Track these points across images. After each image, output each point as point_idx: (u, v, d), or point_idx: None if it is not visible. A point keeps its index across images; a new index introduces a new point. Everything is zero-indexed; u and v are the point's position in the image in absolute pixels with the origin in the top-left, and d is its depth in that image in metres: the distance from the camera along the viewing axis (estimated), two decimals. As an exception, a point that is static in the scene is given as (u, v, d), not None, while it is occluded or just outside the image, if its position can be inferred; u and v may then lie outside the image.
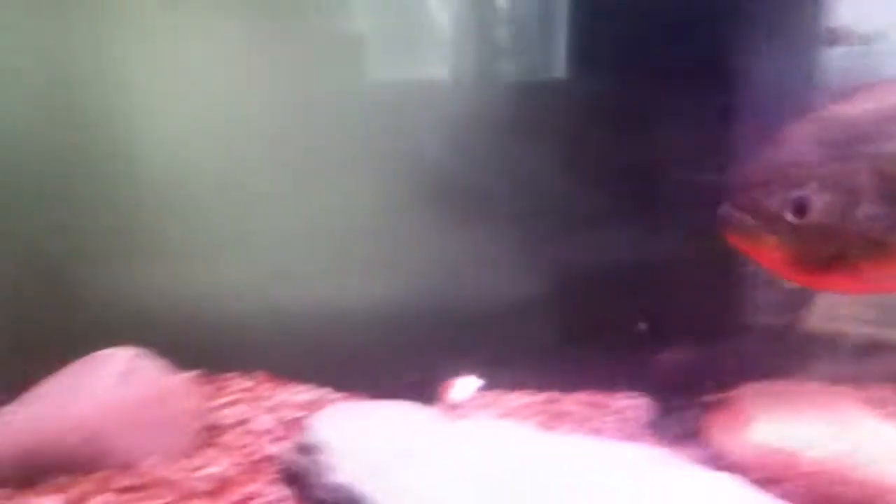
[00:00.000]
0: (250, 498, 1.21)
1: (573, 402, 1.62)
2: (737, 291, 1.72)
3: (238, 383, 1.67)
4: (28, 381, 1.37)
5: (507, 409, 1.57)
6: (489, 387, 1.69)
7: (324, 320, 1.74)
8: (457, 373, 1.69)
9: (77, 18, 1.67)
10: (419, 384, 1.63)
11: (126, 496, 1.15)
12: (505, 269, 1.88)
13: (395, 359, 1.74)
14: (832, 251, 1.29)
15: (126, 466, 1.22)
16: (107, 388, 1.28)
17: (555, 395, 1.66)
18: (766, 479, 1.20)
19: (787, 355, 1.59)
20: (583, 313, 1.79)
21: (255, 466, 1.31)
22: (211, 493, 1.21)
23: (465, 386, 1.66)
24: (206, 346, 1.69)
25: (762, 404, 1.38)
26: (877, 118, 1.29)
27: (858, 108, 1.30)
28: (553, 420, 1.52)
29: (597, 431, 1.48)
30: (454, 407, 1.59)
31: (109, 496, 1.14)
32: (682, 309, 1.70)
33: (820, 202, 1.26)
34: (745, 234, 1.33)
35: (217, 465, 1.30)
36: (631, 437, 1.46)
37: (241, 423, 1.48)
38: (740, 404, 1.40)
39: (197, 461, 1.30)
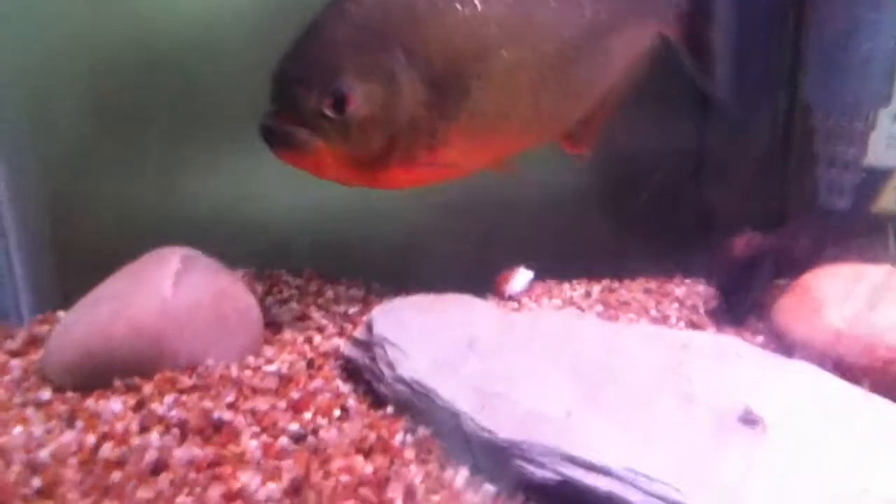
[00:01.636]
0: (313, 394, 1.19)
1: (631, 290, 1.58)
2: (800, 173, 1.65)
3: (287, 281, 1.65)
4: (81, 287, 1.36)
5: (565, 300, 1.53)
6: (542, 277, 1.66)
7: (373, 215, 1.70)
8: (509, 264, 1.66)
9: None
10: (471, 276, 1.60)
11: (191, 396, 1.14)
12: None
13: (444, 252, 1.71)
14: (383, 144, 1.20)
15: (189, 367, 1.21)
16: (164, 288, 1.25)
17: (612, 283, 1.62)
18: (843, 365, 1.17)
19: (854, 238, 1.52)
20: (637, 199, 1.73)
21: (315, 363, 1.30)
22: (275, 391, 1.19)
23: (519, 277, 1.62)
24: (249, 245, 1.67)
25: (833, 288, 1.32)
26: None
27: None
28: (614, 309, 1.48)
29: (659, 320, 1.45)
30: (511, 298, 1.56)
31: (174, 397, 1.13)
32: (742, 193, 1.64)
33: (360, 93, 1.17)
34: (293, 147, 1.19)
35: (277, 362, 1.28)
36: (695, 325, 1.43)
37: (297, 319, 1.46)
38: (809, 289, 1.35)
39: (257, 359, 1.29)
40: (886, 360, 1.17)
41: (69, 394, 1.16)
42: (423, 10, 1.20)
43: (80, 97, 1.62)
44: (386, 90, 1.18)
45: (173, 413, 1.09)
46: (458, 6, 1.21)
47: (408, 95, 1.19)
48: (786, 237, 1.52)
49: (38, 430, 1.06)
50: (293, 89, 1.18)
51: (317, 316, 1.47)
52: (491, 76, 1.23)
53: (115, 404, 1.12)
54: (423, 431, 1.10)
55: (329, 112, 1.16)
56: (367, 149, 1.20)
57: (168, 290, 1.27)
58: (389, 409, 1.16)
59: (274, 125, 1.18)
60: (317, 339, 1.39)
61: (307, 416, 1.14)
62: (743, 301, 1.44)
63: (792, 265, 1.48)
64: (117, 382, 1.17)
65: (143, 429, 1.07)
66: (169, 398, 1.13)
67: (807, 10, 1.57)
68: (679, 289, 1.58)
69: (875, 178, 1.55)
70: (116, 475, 0.97)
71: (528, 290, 1.61)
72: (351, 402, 1.19)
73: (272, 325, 1.42)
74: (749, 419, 1.00)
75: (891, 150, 1.53)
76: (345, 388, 1.23)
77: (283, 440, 1.07)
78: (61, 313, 1.44)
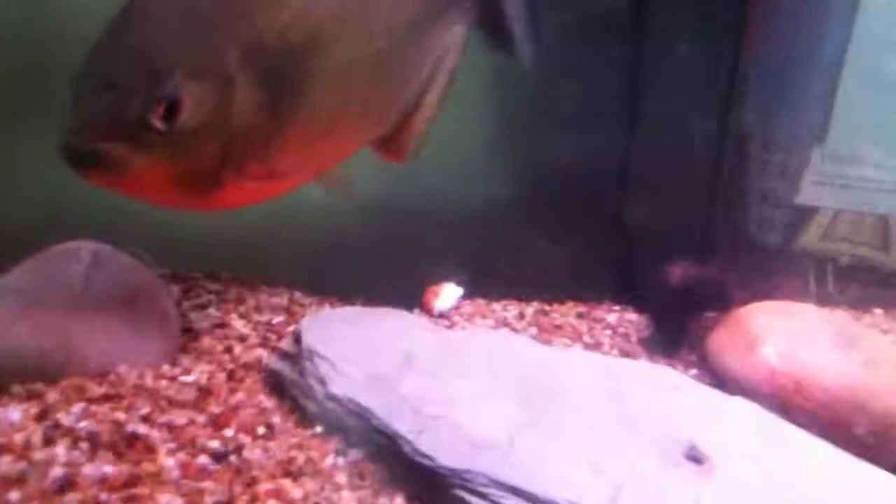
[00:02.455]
0: (235, 409, 1.11)
1: (563, 313, 1.56)
2: (730, 204, 1.67)
3: (205, 286, 1.55)
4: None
5: (497, 320, 1.50)
6: (469, 294, 1.62)
7: (295, 219, 1.63)
8: (437, 279, 1.62)
9: None
10: (396, 288, 1.55)
11: (101, 406, 1.04)
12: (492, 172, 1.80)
13: (370, 263, 1.65)
14: (215, 157, 1.02)
15: (100, 373, 1.11)
16: (73, 284, 1.15)
17: (543, 305, 1.60)
18: (779, 402, 1.17)
19: (784, 274, 1.55)
20: (567, 222, 1.72)
21: (237, 374, 1.21)
22: (193, 404, 1.10)
23: (448, 293, 1.58)
24: (161, 244, 1.57)
25: (767, 324, 1.33)
26: None
27: None
28: (547, 333, 1.45)
29: (592, 346, 1.43)
30: (442, 315, 1.51)
31: (83, 406, 1.03)
32: (669, 218, 1.65)
33: (192, 97, 0.98)
34: (106, 166, 0.97)
35: (196, 372, 1.19)
36: (627, 353, 1.42)
37: (216, 326, 1.36)
38: (743, 323, 1.35)
39: (173, 368, 1.19)
40: (820, 402, 1.18)
41: (-33, 398, 1.04)
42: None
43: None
44: (220, 93, 1.00)
45: (82, 424, 0.99)
46: None
47: (243, 98, 1.02)
48: (717, 269, 1.53)
49: (-76, 438, 0.95)
50: (107, 95, 0.96)
51: (237, 324, 1.38)
52: (326, 74, 1.11)
53: (13, 412, 1.00)
54: (355, 454, 1.04)
55: (157, 122, 0.96)
56: (198, 163, 1.01)
57: (78, 287, 1.17)
58: (318, 429, 1.09)
59: (83, 142, 0.96)
60: (237, 348, 1.30)
61: (229, 432, 1.06)
62: (676, 331, 1.44)
63: (721, 298, 1.49)
64: (17, 387, 1.06)
65: (48, 441, 0.96)
66: (77, 407, 1.02)
67: (749, 35, 1.58)
68: (610, 315, 1.56)
69: (801, 216, 1.58)
70: (15, 495, 0.86)
71: (457, 307, 1.57)
72: (276, 418, 1.11)
73: (188, 332, 1.33)
74: (695, 456, 0.99)
75: (817, 189, 1.56)
76: (269, 403, 1.15)
77: (203, 458, 0.99)
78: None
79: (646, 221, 1.72)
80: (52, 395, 1.05)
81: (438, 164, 1.74)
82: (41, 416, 1.01)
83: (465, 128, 1.78)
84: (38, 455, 0.93)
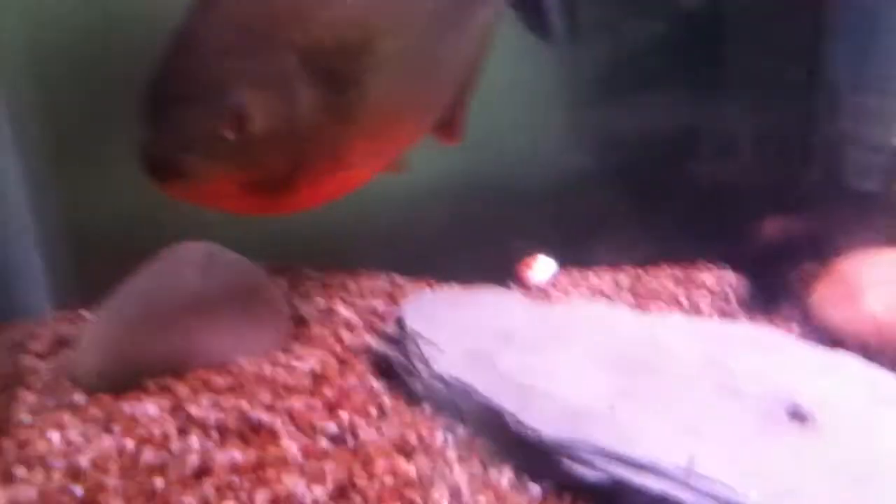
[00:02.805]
0: (348, 393, 1.17)
1: (658, 277, 1.57)
2: (824, 153, 1.63)
3: (308, 274, 1.62)
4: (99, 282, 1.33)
5: (593, 289, 1.52)
6: (562, 264, 1.64)
7: (387, 204, 1.68)
8: (529, 253, 1.64)
9: None
10: (488, 265, 1.59)
11: (226, 396, 1.12)
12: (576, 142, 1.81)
13: (462, 242, 1.69)
14: (287, 162, 1.05)
15: (220, 365, 1.19)
16: (191, 284, 1.23)
17: (637, 271, 1.60)
18: (885, 354, 1.16)
19: (885, 221, 1.50)
20: (655, 185, 1.72)
21: (346, 359, 1.28)
22: (309, 389, 1.17)
23: (542, 266, 1.60)
24: (267, 238, 1.64)
25: (870, 275, 1.31)
26: None
27: None
28: (644, 299, 1.46)
29: (690, 310, 1.43)
30: (537, 288, 1.54)
31: (210, 398, 1.11)
32: (770, 176, 1.62)
33: (257, 106, 1.00)
34: (184, 178, 1.00)
35: (308, 360, 1.26)
36: (727, 314, 1.41)
37: (323, 314, 1.43)
38: (845, 276, 1.33)
39: (287, 356, 1.27)
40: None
41: (103, 397, 1.14)
42: (308, 2, 1.07)
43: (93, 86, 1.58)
44: (284, 99, 1.03)
45: (211, 415, 1.07)
46: None
47: (307, 101, 1.05)
48: (813, 221, 1.51)
49: (75, 435, 1.04)
50: (177, 109, 1.00)
51: (343, 311, 1.45)
52: (381, 68, 1.12)
53: (150, 407, 1.10)
54: (463, 430, 1.09)
55: (226, 132, 1.00)
56: (270, 170, 1.05)
57: (195, 285, 1.25)
58: (426, 407, 1.15)
59: (159, 155, 1.00)
60: (345, 334, 1.36)
61: (343, 415, 1.12)
62: (775, 288, 1.42)
63: (820, 250, 1.46)
64: (150, 383, 1.15)
65: (182, 432, 1.05)
66: (205, 399, 1.11)
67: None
68: (707, 277, 1.56)
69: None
70: (159, 481, 0.95)
71: (552, 279, 1.59)
72: (386, 400, 1.17)
73: (298, 321, 1.40)
74: (798, 413, 0.99)
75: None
76: (378, 385, 1.21)
77: (323, 441, 1.06)
78: (85, 312, 1.42)
79: (735, 178, 1.70)
80: (182, 389, 1.14)
81: (522, 139, 1.76)
82: (174, 409, 1.09)
83: (545, 101, 1.79)
84: (175, 445, 1.02)
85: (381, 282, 1.60)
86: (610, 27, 1.73)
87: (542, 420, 1.02)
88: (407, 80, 1.19)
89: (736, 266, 1.58)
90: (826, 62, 1.54)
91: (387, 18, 1.13)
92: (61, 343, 1.33)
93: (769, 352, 1.14)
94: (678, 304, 1.45)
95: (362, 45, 1.10)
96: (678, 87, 1.70)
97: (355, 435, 1.07)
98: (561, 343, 1.18)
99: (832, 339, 1.25)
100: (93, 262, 1.51)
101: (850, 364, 1.10)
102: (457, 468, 1.02)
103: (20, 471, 0.98)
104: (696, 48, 1.68)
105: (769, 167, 1.65)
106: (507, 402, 1.06)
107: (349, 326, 1.39)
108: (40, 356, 1.30)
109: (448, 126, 1.38)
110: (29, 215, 1.53)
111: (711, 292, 1.50)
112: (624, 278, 1.57)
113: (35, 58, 1.51)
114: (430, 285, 1.60)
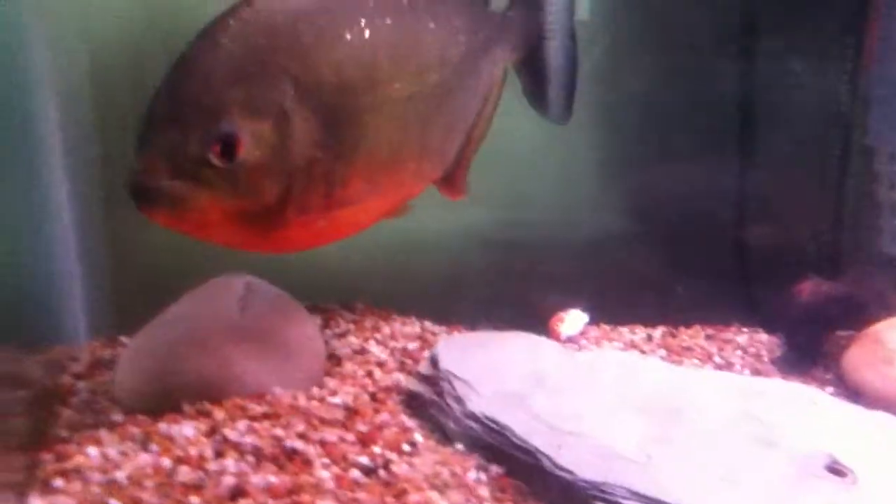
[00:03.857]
0: (380, 427, 1.18)
1: (692, 336, 1.57)
2: (859, 218, 1.65)
3: (343, 315, 1.64)
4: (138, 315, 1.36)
5: (625, 343, 1.52)
6: (594, 320, 1.65)
7: (421, 251, 1.71)
8: (560, 304, 1.65)
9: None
10: (521, 315, 1.60)
11: (262, 424, 1.13)
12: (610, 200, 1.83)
13: (494, 291, 1.71)
14: (277, 194, 1.02)
15: (257, 393, 1.20)
16: (232, 313, 1.25)
17: (670, 328, 1.61)
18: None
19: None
20: (692, 244, 1.73)
21: (379, 396, 1.29)
22: (342, 423, 1.18)
23: (574, 319, 1.61)
24: (301, 278, 1.67)
25: (904, 339, 1.31)
26: (296, 17, 1.05)
27: (286, 1, 1.06)
28: (677, 354, 1.47)
29: (724, 367, 1.43)
30: (570, 340, 1.55)
31: (246, 423, 1.12)
32: (805, 240, 1.64)
33: (249, 134, 0.99)
34: (170, 204, 0.98)
35: (342, 394, 1.27)
36: (760, 373, 1.41)
37: (357, 353, 1.45)
38: (880, 339, 1.33)
39: (321, 390, 1.28)
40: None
41: (140, 417, 1.15)
42: (310, 35, 1.06)
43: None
44: (277, 129, 1.02)
45: (247, 439, 1.08)
46: (346, 32, 1.09)
47: (301, 134, 1.03)
48: (848, 285, 1.51)
49: (112, 451, 1.05)
50: (167, 134, 0.98)
51: (376, 350, 1.47)
52: (383, 109, 1.12)
53: (187, 429, 1.11)
54: (496, 469, 1.09)
55: (215, 159, 0.98)
56: (259, 201, 1.02)
57: (235, 315, 1.27)
58: (459, 446, 1.15)
59: (146, 180, 0.98)
60: (377, 372, 1.38)
61: (376, 449, 1.13)
62: (809, 350, 1.42)
63: (854, 314, 1.47)
64: (187, 407, 1.16)
65: (218, 454, 1.05)
66: (241, 424, 1.12)
67: (868, 50, 1.57)
68: (740, 336, 1.56)
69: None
70: (195, 499, 0.96)
71: (584, 332, 1.60)
72: (418, 436, 1.18)
73: (334, 357, 1.42)
74: (835, 468, 0.99)
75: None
76: (411, 422, 1.22)
77: (355, 472, 1.06)
78: (123, 338, 1.44)
79: (770, 241, 1.71)
80: (219, 414, 1.15)
81: (557, 192, 1.79)
82: (211, 432, 1.11)
83: (580, 157, 1.82)
84: (212, 466, 1.03)
85: (413, 326, 1.62)
86: (648, 91, 1.77)
87: (577, 462, 1.02)
88: (408, 125, 1.19)
89: (770, 328, 1.58)
90: (863, 130, 1.57)
91: (390, 61, 1.13)
92: (100, 365, 1.35)
93: (805, 407, 1.14)
94: (711, 360, 1.46)
95: (362, 83, 1.10)
96: (714, 150, 1.73)
97: (388, 469, 1.08)
98: (593, 387, 1.19)
99: (867, 400, 1.25)
100: (132, 292, 1.53)
101: (887, 422, 1.10)
102: (489, 505, 1.02)
103: (58, 482, 0.99)
104: (731, 112, 1.71)
105: (804, 231, 1.67)
106: (542, 443, 1.06)
107: (382, 365, 1.40)
108: (79, 377, 1.32)
109: (451, 180, 1.37)
110: (74, 245, 1.57)
111: (745, 351, 1.50)
112: (656, 333, 1.58)
113: (94, 94, 1.56)
114: (460, 332, 1.61)
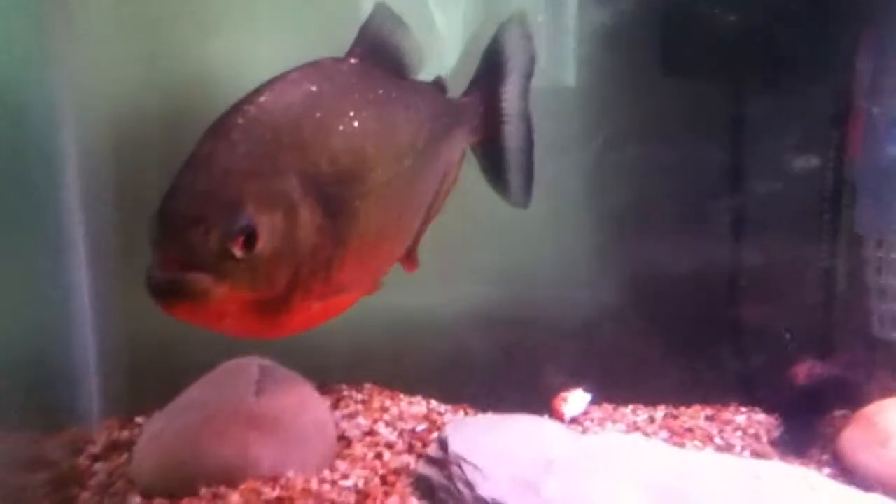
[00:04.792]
0: (391, 511, 1.21)
1: (692, 416, 1.61)
2: (849, 302, 1.70)
3: (351, 395, 1.68)
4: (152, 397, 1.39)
5: (629, 424, 1.56)
6: (595, 400, 1.68)
7: (424, 329, 1.75)
8: (562, 384, 1.69)
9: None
10: (523, 394, 1.63)
11: (276, 507, 1.16)
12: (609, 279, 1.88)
13: (496, 371, 1.75)
14: (287, 281, 1.07)
15: (271, 476, 1.23)
16: (248, 397, 1.29)
17: (671, 409, 1.65)
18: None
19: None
20: (688, 325, 1.78)
21: (389, 479, 1.32)
22: (354, 506, 1.21)
23: (577, 399, 1.65)
24: (308, 358, 1.70)
25: (899, 421, 1.35)
26: (296, 113, 1.11)
27: (284, 99, 1.12)
28: (679, 436, 1.50)
29: (724, 448, 1.47)
30: (574, 421, 1.58)
31: (262, 508, 1.15)
32: (800, 322, 1.69)
33: (265, 225, 1.03)
34: (193, 297, 1.00)
35: (353, 477, 1.30)
36: (759, 454, 1.45)
37: (367, 434, 1.48)
38: (874, 421, 1.37)
39: (332, 473, 1.31)
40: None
41: (157, 500, 1.18)
42: (309, 129, 1.12)
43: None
44: (287, 219, 1.06)
45: (262, 524, 1.11)
46: (340, 125, 1.15)
47: (307, 223, 1.08)
48: (842, 365, 1.56)
49: (132, 534, 1.08)
50: (188, 228, 1.00)
51: (384, 432, 1.50)
52: (370, 193, 1.18)
53: (206, 512, 1.14)
54: (506, 552, 1.12)
55: (238, 251, 1.01)
56: (273, 289, 1.06)
57: (251, 398, 1.31)
58: (469, 529, 1.18)
59: (169, 275, 0.99)
60: (387, 455, 1.41)
61: (388, 532, 1.16)
62: (806, 431, 1.46)
63: (849, 395, 1.51)
64: (204, 490, 1.19)
65: (234, 538, 1.08)
66: (257, 509, 1.15)
67: (853, 138, 1.64)
68: (739, 416, 1.60)
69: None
70: (211, 582, 0.98)
71: (586, 412, 1.63)
72: (429, 520, 1.20)
73: (343, 439, 1.45)
74: (836, 552, 1.02)
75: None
76: (423, 505, 1.25)
77: (368, 558, 1.09)
78: (139, 419, 1.47)
79: (763, 321, 1.76)
80: (234, 498, 1.18)
81: (556, 270, 1.84)
82: (227, 517, 1.14)
83: (579, 236, 1.88)
84: (230, 550, 1.05)
85: (419, 406, 1.65)
86: (644, 177, 1.83)
87: (588, 548, 1.05)
88: (388, 207, 1.24)
89: (767, 408, 1.62)
90: (852, 217, 1.64)
91: (375, 149, 1.19)
92: (117, 447, 1.38)
93: (804, 490, 1.18)
94: (712, 441, 1.49)
95: (354, 171, 1.15)
96: (709, 232, 1.79)
97: (401, 551, 1.11)
98: (601, 472, 1.22)
99: (863, 482, 1.28)
100: (145, 375, 1.57)
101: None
102: (501, 592, 1.04)
103: (79, 565, 1.02)
104: (727, 187, 1.78)
105: (799, 314, 1.72)
106: (553, 526, 1.10)
107: (391, 447, 1.44)
108: (97, 458, 1.34)
109: (409, 254, 1.41)
110: (91, 328, 1.60)
111: (744, 432, 1.54)
112: (658, 414, 1.61)
113: (116, 174, 1.61)
114: (465, 412, 1.64)
